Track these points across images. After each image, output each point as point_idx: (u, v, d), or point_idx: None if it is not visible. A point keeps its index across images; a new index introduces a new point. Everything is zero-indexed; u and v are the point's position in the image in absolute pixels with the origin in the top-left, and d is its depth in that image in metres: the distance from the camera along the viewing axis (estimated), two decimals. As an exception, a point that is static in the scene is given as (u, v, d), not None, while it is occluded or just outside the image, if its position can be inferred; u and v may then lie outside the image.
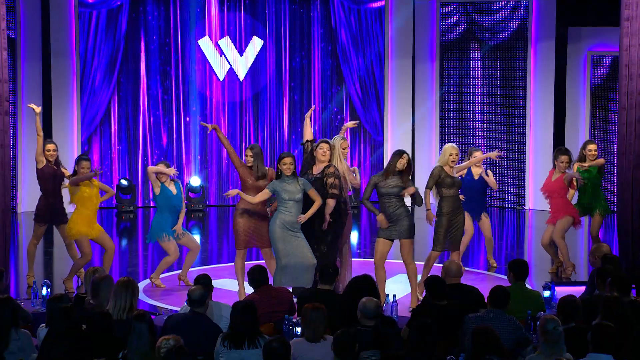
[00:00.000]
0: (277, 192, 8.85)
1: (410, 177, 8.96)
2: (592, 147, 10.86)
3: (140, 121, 16.39)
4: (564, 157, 10.54)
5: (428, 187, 9.24)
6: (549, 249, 10.76)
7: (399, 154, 8.95)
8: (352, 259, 9.67)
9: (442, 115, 16.92)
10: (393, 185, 8.89)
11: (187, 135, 16.59)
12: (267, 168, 9.44)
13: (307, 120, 9.80)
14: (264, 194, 9.00)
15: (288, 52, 16.80)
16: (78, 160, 9.84)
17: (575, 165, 10.81)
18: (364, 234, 14.50)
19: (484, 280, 10.29)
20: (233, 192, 9.15)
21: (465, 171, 10.63)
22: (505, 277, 9.65)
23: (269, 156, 16.60)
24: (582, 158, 10.86)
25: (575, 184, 10.64)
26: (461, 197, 10.07)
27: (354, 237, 13.38)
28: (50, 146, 10.13)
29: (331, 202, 8.96)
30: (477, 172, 10.84)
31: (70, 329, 5.97)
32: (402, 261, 9.07)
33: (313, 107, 10.37)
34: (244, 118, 16.79)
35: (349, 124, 10.24)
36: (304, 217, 8.81)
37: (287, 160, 8.82)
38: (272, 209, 9.18)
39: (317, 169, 9.14)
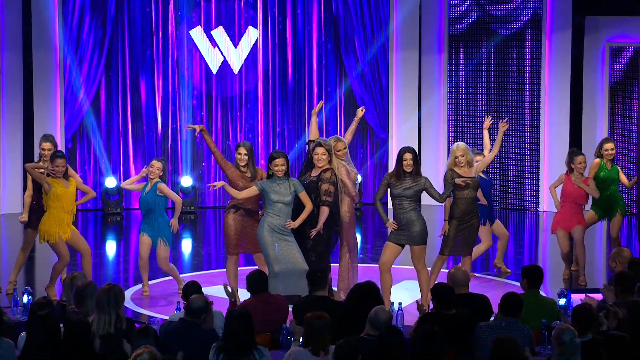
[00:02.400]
0: (266, 192, 8.78)
1: (420, 175, 8.90)
2: (609, 145, 10.87)
3: (127, 117, 16.36)
4: (580, 158, 10.54)
5: (445, 196, 9.10)
6: (569, 256, 10.78)
7: (399, 157, 8.91)
8: (358, 264, 9.62)
9: (450, 111, 16.90)
10: (407, 186, 8.85)
11: (178, 132, 16.56)
12: (257, 168, 9.39)
13: (313, 118, 9.74)
14: (251, 191, 8.93)
15: (286, 44, 16.78)
16: (52, 158, 9.77)
17: (597, 160, 10.84)
18: (367, 237, 14.49)
19: (493, 288, 10.26)
20: (218, 184, 9.07)
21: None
22: (516, 284, 9.64)
23: (265, 155, 16.57)
24: (599, 157, 10.89)
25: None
26: (484, 201, 10.03)
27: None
28: (45, 144, 10.02)
29: (325, 211, 8.91)
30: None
31: (49, 337, 5.95)
32: (408, 267, 9.04)
33: (321, 103, 10.22)
34: (238, 114, 16.77)
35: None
36: (293, 224, 8.76)
37: (279, 161, 8.75)
38: (263, 212, 9.12)
39: (315, 172, 9.10)
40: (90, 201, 16.08)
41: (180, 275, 10.30)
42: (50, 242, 9.71)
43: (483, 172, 10.72)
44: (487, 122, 10.30)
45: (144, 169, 10.05)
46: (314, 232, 8.91)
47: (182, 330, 6.43)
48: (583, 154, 10.67)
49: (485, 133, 10.34)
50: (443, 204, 9.38)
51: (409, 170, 8.86)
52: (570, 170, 10.62)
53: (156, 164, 9.90)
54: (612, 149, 10.86)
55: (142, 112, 16.42)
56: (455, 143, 9.50)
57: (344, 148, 9.33)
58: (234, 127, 16.78)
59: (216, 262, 12.31)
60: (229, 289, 7.61)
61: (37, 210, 9.97)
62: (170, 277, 10.28)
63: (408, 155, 8.88)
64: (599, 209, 10.94)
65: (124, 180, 16.12)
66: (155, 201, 9.84)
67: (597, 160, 10.90)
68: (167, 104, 16.46)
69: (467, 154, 9.32)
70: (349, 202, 9.32)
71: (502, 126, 9.79)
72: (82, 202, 10.24)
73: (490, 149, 10.38)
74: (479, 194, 9.81)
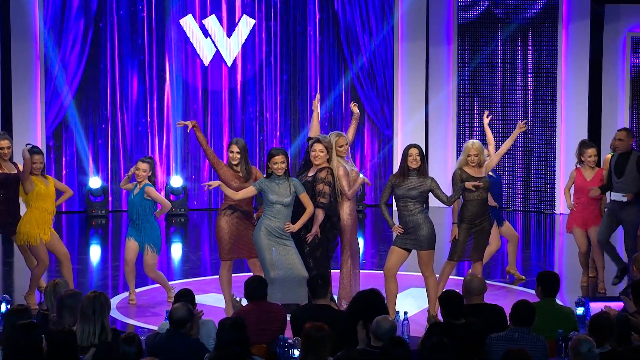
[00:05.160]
0: (264, 192, 8.77)
1: (426, 175, 8.88)
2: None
3: (113, 113, 16.35)
4: (591, 151, 10.53)
5: (453, 199, 9.10)
6: (587, 258, 10.76)
7: (405, 151, 8.93)
8: (360, 271, 9.63)
9: (459, 106, 16.90)
10: (411, 186, 8.84)
11: (167, 129, 16.56)
12: (252, 167, 9.38)
13: (315, 113, 9.73)
14: (249, 191, 8.93)
15: (283, 33, 16.78)
16: (30, 154, 9.71)
17: (608, 156, 10.84)
18: (371, 242, 14.49)
19: (506, 296, 10.26)
20: (214, 183, 9.07)
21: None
22: (531, 292, 9.64)
23: (260, 153, 16.58)
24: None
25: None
26: (493, 203, 10.01)
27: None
28: (3, 142, 9.98)
29: (320, 213, 8.91)
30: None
31: (29, 349, 5.95)
32: (415, 273, 9.02)
33: (318, 96, 10.17)
34: (232, 109, 16.77)
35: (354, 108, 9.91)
36: (293, 227, 8.77)
37: (278, 159, 8.74)
38: (258, 214, 9.12)
39: (312, 171, 9.10)
40: (73, 203, 16.18)
41: (170, 283, 10.30)
42: (31, 244, 9.71)
43: (491, 170, 10.72)
44: (486, 117, 10.28)
45: (131, 169, 10.06)
46: (310, 237, 8.92)
47: (168, 342, 6.43)
48: (594, 146, 10.64)
49: (487, 129, 10.34)
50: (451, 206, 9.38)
51: (414, 167, 8.84)
52: (580, 162, 10.62)
53: (142, 166, 9.88)
54: None
55: (129, 107, 16.41)
56: (471, 140, 9.47)
57: (346, 144, 9.33)
58: (228, 123, 16.78)
59: (209, 268, 12.31)
60: (237, 299, 7.61)
61: (3, 216, 9.92)
62: (159, 285, 10.29)
63: (414, 151, 8.88)
64: None
65: (108, 180, 16.16)
66: (142, 205, 9.84)
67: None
68: (156, 98, 16.45)
69: (481, 154, 9.32)
70: (350, 204, 9.32)
71: (520, 127, 9.81)
72: (60, 203, 10.22)
73: (496, 146, 10.38)
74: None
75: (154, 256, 9.91)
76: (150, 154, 16.31)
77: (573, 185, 10.69)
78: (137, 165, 9.93)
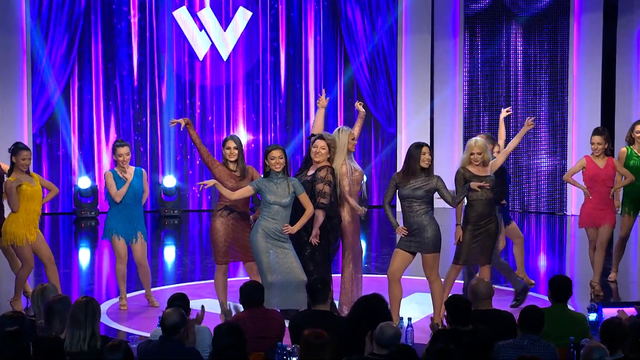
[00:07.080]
0: (262, 193, 8.77)
1: (431, 174, 8.87)
2: None
3: (103, 109, 16.36)
4: (595, 139, 10.49)
5: (458, 201, 9.09)
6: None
7: (418, 147, 8.90)
8: (362, 275, 9.64)
9: (466, 102, 16.90)
10: (417, 186, 8.83)
11: (160, 127, 16.55)
12: (248, 167, 9.38)
13: (320, 110, 9.73)
14: (246, 191, 8.92)
15: (282, 27, 16.78)
16: (16, 150, 9.73)
17: (623, 149, 10.83)
18: (373, 244, 14.50)
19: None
20: (210, 182, 9.07)
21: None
22: (541, 297, 9.64)
23: (257, 151, 16.58)
24: (631, 141, 10.87)
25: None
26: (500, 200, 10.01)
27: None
28: None
29: (320, 215, 8.91)
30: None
31: (16, 356, 5.96)
32: (419, 277, 9.01)
33: (324, 92, 10.13)
34: (227, 105, 16.77)
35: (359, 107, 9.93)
36: (291, 229, 8.78)
37: (276, 153, 8.74)
38: (255, 215, 9.12)
39: (311, 170, 9.10)
40: (62, 204, 16.19)
41: (162, 288, 10.28)
42: (17, 244, 9.72)
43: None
44: (505, 112, 10.29)
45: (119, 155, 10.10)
46: (313, 240, 8.91)
47: (161, 350, 6.43)
48: (602, 134, 10.58)
49: (502, 123, 10.35)
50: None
51: (427, 167, 8.84)
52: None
53: (123, 150, 9.86)
54: None
55: (120, 104, 16.41)
56: (474, 138, 9.47)
57: (353, 139, 9.35)
58: (223, 121, 16.78)
59: (202, 271, 12.31)
60: (231, 306, 7.59)
61: None
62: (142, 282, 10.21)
63: (427, 149, 8.89)
64: (630, 203, 10.88)
65: (98, 180, 16.14)
66: (141, 190, 9.91)
67: (624, 148, 10.89)
68: (148, 95, 16.45)
69: (485, 152, 9.31)
70: (351, 204, 9.33)
71: (528, 124, 9.80)
72: (45, 201, 10.22)
73: (505, 141, 10.36)
74: None
75: (146, 244, 9.94)
76: (142, 153, 16.33)
77: (582, 174, 10.62)
78: (117, 151, 9.87)
